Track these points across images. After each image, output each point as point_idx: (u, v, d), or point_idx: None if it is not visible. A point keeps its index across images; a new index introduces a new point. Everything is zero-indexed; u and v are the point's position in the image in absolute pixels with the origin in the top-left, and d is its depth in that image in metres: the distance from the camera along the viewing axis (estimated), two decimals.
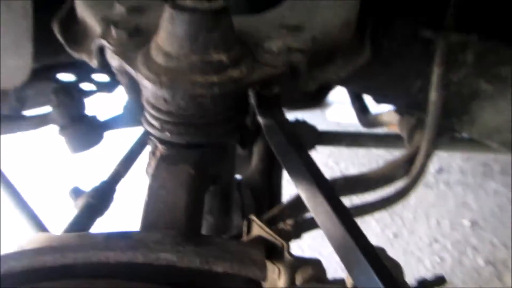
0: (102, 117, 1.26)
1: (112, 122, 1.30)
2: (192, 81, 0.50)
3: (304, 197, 0.61)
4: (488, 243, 2.64)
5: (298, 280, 0.57)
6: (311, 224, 0.85)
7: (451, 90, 1.12)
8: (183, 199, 0.58)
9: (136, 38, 0.57)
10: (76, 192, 1.06)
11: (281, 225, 0.73)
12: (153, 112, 0.57)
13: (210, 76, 0.51)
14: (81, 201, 1.04)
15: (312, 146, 1.43)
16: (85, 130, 1.16)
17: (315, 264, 0.58)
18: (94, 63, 0.62)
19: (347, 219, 0.55)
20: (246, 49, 0.56)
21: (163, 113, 0.57)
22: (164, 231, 0.54)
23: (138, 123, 1.43)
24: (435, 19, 1.11)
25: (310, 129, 1.43)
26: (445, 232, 2.70)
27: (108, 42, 0.56)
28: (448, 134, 1.26)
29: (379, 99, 1.29)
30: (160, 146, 0.60)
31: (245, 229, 0.68)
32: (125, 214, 2.86)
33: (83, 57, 0.66)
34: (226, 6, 0.51)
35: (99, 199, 1.05)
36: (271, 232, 0.64)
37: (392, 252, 0.71)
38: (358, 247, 0.54)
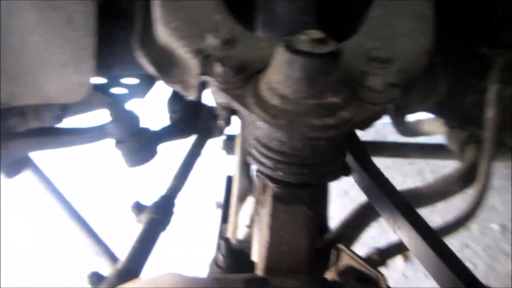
0: (153, 129, 1.27)
1: (164, 135, 1.32)
2: (309, 124, 0.51)
3: (402, 236, 0.63)
4: None
5: None
6: (395, 251, 0.87)
7: (504, 104, 1.12)
8: (304, 241, 0.59)
9: (241, 75, 0.57)
10: (138, 207, 1.08)
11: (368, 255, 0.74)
12: (264, 151, 0.57)
13: (325, 118, 0.51)
14: (144, 217, 1.06)
15: None
16: (142, 144, 1.18)
17: None
18: (192, 96, 0.63)
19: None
20: (351, 88, 0.56)
21: (276, 152, 0.57)
22: (300, 278, 0.55)
23: (188, 135, 1.45)
24: (485, 35, 1.11)
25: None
26: (475, 237, 2.69)
27: (216, 80, 0.57)
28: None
29: (431, 112, 1.29)
30: (271, 185, 0.61)
31: (334, 258, 0.69)
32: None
33: (177, 88, 0.67)
34: (340, 48, 0.52)
35: (161, 214, 1.06)
36: (363, 263, 0.65)
37: None
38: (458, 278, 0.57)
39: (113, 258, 1.16)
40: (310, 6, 0.84)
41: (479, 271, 2.47)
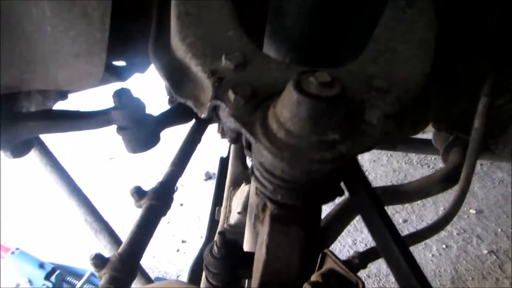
0: (155, 115, 1.31)
1: (166, 120, 1.35)
2: (310, 159, 0.56)
3: (378, 245, 0.70)
4: (492, 232, 2.77)
5: None
6: (373, 255, 0.95)
7: (492, 113, 1.18)
8: (297, 260, 0.66)
9: (251, 102, 0.62)
10: (138, 192, 1.13)
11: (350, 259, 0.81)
12: (266, 175, 0.63)
13: (324, 153, 0.57)
14: (143, 202, 1.12)
15: None
16: (145, 132, 1.22)
17: None
18: (204, 115, 0.67)
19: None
20: (350, 122, 0.61)
21: (277, 178, 0.63)
22: None
23: (188, 120, 1.49)
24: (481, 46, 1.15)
25: None
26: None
27: (227, 106, 0.61)
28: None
29: None
30: (270, 206, 0.67)
31: (319, 262, 0.77)
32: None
33: (189, 103, 0.71)
34: (343, 90, 0.57)
35: (160, 201, 1.12)
36: (345, 268, 0.72)
37: None
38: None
39: (114, 237, 1.23)
40: (319, 19, 0.87)
41: (452, 252, 2.62)
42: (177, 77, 0.74)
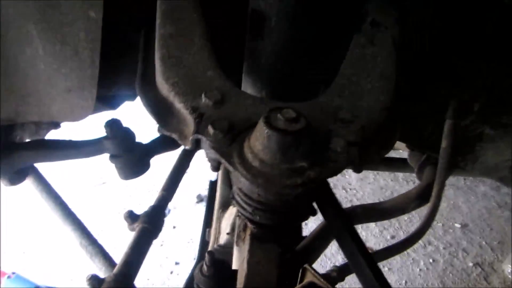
0: (145, 142, 1.38)
1: (156, 147, 1.43)
2: (282, 184, 0.64)
3: (349, 260, 0.78)
4: (476, 245, 2.85)
5: None
6: (350, 269, 1.03)
7: (458, 133, 1.27)
8: (275, 274, 0.74)
9: (228, 135, 0.70)
10: (131, 216, 1.20)
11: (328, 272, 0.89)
12: (245, 199, 0.72)
13: (294, 179, 0.65)
14: (136, 226, 1.18)
15: None
16: (136, 160, 1.29)
17: None
18: (188, 147, 0.75)
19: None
20: (317, 150, 0.69)
21: (254, 201, 0.71)
22: None
23: (177, 146, 1.56)
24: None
25: None
26: (438, 234, 2.92)
27: (207, 139, 0.69)
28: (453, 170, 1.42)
29: None
30: (250, 225, 0.75)
31: (300, 275, 0.84)
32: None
33: (174, 136, 0.79)
34: (308, 124, 0.65)
35: (152, 224, 1.19)
36: (324, 281, 0.80)
37: None
38: None
39: (108, 259, 1.29)
40: (290, 57, 0.97)
41: (438, 266, 2.69)
42: (162, 112, 0.82)
